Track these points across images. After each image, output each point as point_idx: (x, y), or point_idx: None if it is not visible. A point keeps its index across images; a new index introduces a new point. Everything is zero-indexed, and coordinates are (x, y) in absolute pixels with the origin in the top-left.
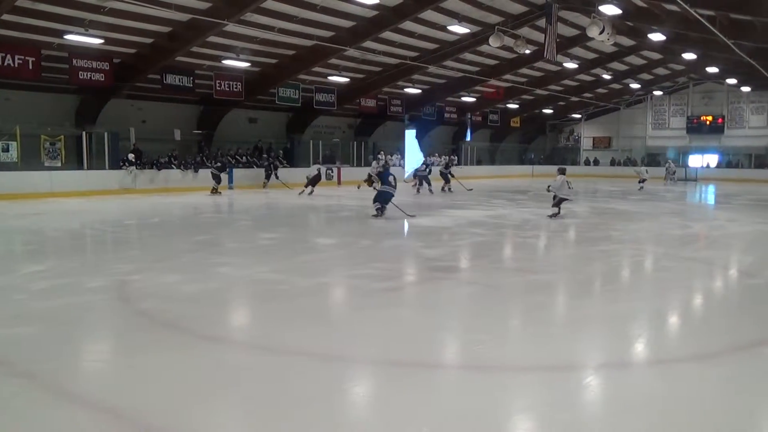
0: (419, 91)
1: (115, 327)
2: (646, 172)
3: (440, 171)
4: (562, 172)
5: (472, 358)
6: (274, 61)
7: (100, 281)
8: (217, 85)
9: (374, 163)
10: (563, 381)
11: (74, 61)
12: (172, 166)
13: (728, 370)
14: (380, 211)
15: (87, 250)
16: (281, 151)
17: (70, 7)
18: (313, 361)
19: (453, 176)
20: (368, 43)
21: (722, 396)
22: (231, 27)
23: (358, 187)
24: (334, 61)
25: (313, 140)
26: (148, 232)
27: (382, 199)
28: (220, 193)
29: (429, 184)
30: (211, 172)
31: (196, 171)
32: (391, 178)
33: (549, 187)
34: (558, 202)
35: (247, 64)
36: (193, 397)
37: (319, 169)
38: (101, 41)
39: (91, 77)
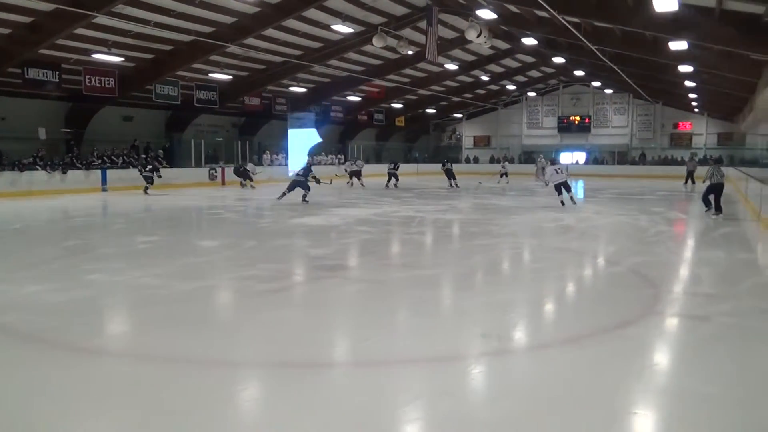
0: (305, 89)
1: None
2: (503, 167)
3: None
4: (552, 161)
5: (359, 354)
6: (150, 56)
7: None
8: (87, 80)
9: (348, 162)
10: (447, 371)
11: None
12: (37, 167)
13: (594, 352)
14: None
15: None
16: (161, 151)
17: None
18: (196, 368)
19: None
20: (251, 41)
21: (590, 376)
22: (102, 19)
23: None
24: (215, 57)
25: (194, 139)
26: (7, 240)
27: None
28: (147, 193)
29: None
30: (144, 175)
31: (64, 172)
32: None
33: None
34: (558, 189)
35: (121, 59)
36: (62, 414)
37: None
38: None
39: None
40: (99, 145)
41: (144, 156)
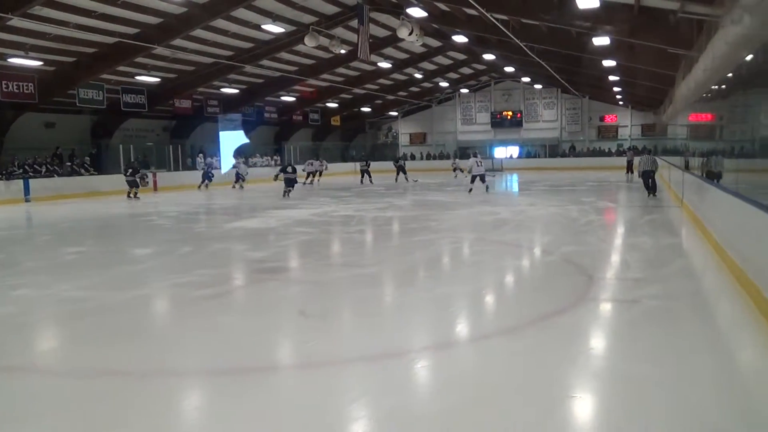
0: (237, 91)
1: None
2: (454, 163)
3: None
4: (474, 155)
5: (303, 356)
6: (71, 59)
7: None
8: (4, 86)
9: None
10: (391, 367)
11: None
12: None
13: (533, 340)
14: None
15: None
16: (87, 158)
17: None
18: (132, 380)
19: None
20: (179, 42)
21: (530, 363)
22: (17, 21)
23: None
24: (141, 60)
25: (123, 144)
26: None
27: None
28: (138, 197)
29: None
30: (127, 180)
31: None
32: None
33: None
34: (473, 179)
35: (40, 63)
36: None
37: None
38: None
39: None
40: (20, 154)
41: (69, 164)
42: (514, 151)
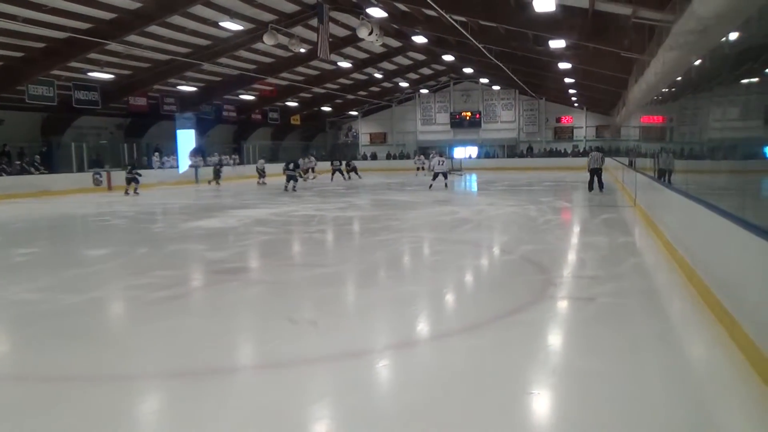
0: (195, 89)
1: None
2: (419, 159)
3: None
4: (440, 154)
5: (264, 357)
6: (20, 54)
7: None
8: None
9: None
10: (353, 366)
11: None
12: None
13: (492, 338)
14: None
15: None
16: (38, 156)
17: None
18: (86, 385)
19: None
20: (133, 38)
21: (489, 361)
22: None
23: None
24: (94, 55)
25: (75, 142)
26: None
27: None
28: (138, 194)
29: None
30: (126, 177)
31: None
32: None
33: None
34: (435, 176)
35: None
36: None
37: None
38: None
39: None
40: None
41: (18, 162)
42: (473, 151)
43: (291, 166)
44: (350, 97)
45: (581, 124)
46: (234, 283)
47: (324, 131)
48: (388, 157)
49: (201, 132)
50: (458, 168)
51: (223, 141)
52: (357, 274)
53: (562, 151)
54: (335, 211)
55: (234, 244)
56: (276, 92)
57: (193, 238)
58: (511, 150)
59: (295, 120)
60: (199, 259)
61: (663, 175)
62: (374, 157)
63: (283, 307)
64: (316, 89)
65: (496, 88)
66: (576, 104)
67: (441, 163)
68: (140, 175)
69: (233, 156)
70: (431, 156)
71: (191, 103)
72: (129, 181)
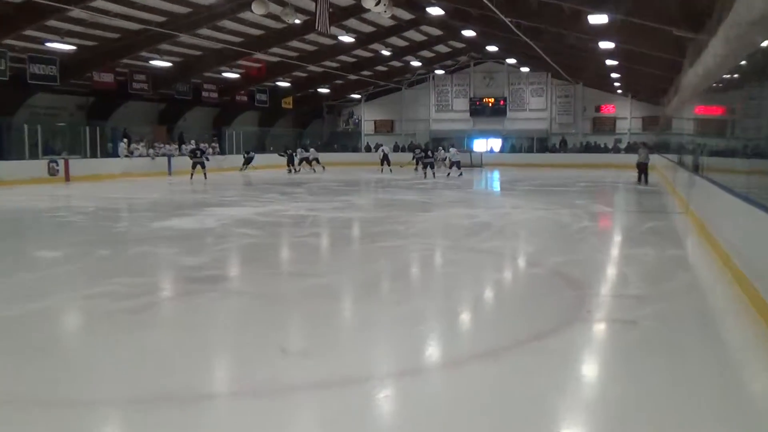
0: (170, 64)
1: None
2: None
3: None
4: (452, 146)
5: (244, 383)
6: None
7: None
8: None
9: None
10: (350, 396)
11: None
12: None
13: (514, 366)
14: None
15: None
16: None
17: None
18: (33, 412)
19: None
20: (99, 2)
21: (509, 394)
22: None
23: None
24: (53, 23)
25: (28, 124)
26: None
27: None
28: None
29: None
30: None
31: None
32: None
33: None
34: (451, 165)
35: None
36: None
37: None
38: None
39: None
40: None
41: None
42: (496, 144)
43: (424, 153)
44: (352, 77)
45: (625, 114)
46: (211, 294)
47: (320, 117)
48: (396, 149)
49: (174, 115)
50: (478, 164)
51: (202, 126)
52: (356, 287)
53: (602, 145)
54: (331, 212)
55: (212, 247)
56: (265, 70)
57: (163, 239)
58: (541, 143)
59: (287, 103)
60: (170, 264)
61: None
62: (378, 148)
63: (268, 323)
64: (313, 67)
65: (524, 70)
66: (619, 91)
67: (457, 153)
68: (208, 159)
69: (212, 144)
70: (439, 149)
71: (165, 81)
72: (195, 164)
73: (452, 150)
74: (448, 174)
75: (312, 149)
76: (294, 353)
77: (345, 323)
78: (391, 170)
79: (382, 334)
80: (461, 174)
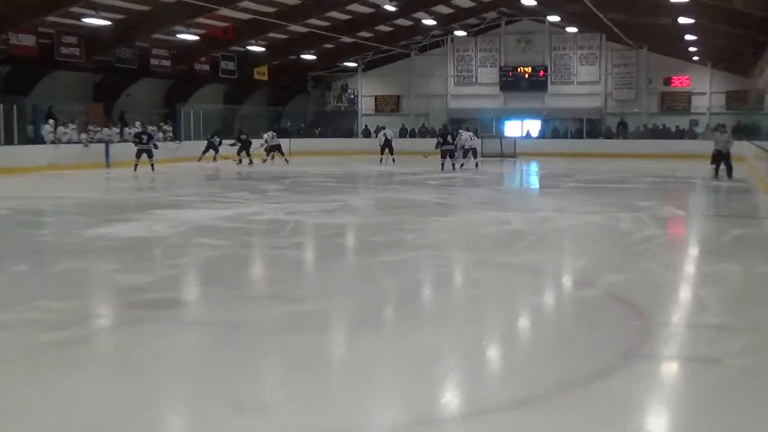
0: (109, 23)
1: None
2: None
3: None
4: (467, 129)
5: None
6: None
7: None
8: None
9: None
10: None
11: None
12: None
13: (557, 416)
14: None
15: None
16: None
17: None
18: None
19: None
20: None
21: None
22: None
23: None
24: None
25: None
26: None
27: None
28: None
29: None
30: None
31: None
32: None
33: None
34: (465, 153)
35: None
36: None
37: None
38: None
39: None
40: None
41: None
42: (533, 127)
43: (443, 138)
44: (346, 40)
45: (703, 88)
46: (161, 323)
47: (305, 91)
48: (403, 133)
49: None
50: (510, 153)
51: (151, 104)
52: (351, 314)
53: (673, 129)
54: (318, 216)
55: (162, 262)
56: (232, 31)
57: (98, 251)
58: (592, 126)
59: (261, 74)
60: (107, 284)
61: None
62: (366, 134)
63: (236, 363)
64: (295, 27)
65: (571, 30)
66: (696, 57)
67: (471, 138)
68: (156, 146)
69: (164, 126)
70: (459, 133)
71: (103, 45)
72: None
73: (465, 134)
74: (462, 165)
75: (269, 133)
76: (267, 404)
77: (338, 362)
78: (394, 160)
79: (385, 376)
80: (477, 165)
